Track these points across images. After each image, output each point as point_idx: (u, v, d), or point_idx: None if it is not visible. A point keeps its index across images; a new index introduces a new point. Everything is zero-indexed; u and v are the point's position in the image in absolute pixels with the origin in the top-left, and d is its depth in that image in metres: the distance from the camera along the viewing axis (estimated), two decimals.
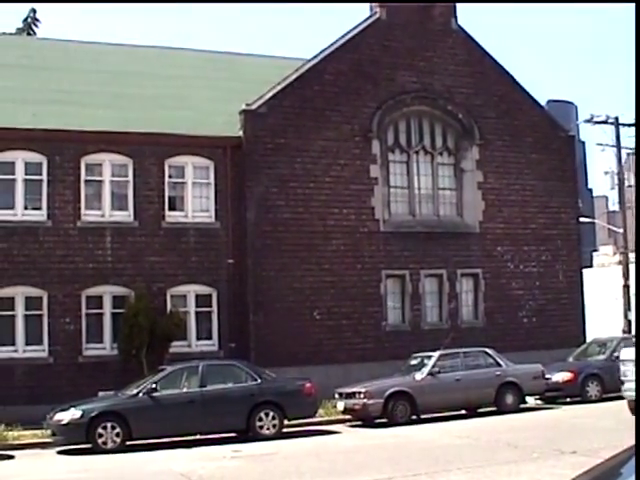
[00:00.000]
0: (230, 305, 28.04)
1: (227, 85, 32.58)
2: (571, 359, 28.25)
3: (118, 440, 19.65)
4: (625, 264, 37.61)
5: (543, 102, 38.53)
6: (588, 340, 31.53)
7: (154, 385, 20.63)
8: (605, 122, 38.38)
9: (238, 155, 28.40)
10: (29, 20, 53.16)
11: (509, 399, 24.24)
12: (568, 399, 26.05)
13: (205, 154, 28.34)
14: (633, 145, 40.82)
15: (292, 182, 28.94)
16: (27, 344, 25.82)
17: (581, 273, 34.31)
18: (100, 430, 19.54)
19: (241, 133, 28.62)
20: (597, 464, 5.05)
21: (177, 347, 26.74)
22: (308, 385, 22.03)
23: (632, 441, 5.03)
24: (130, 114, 28.72)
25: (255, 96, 28.96)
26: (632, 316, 36.30)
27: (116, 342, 26.39)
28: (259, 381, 21.57)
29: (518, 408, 24.16)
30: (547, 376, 25.38)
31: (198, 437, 20.97)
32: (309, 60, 30.75)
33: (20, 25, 53.04)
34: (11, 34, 49.39)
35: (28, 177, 26.28)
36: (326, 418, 23.92)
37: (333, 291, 29.11)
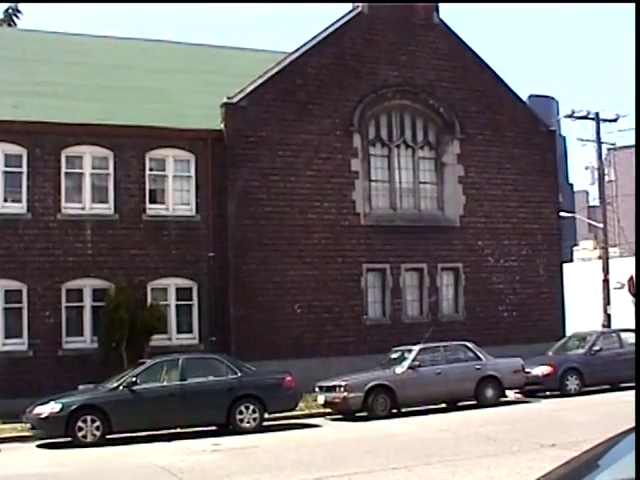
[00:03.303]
0: (211, 298, 28.00)
1: (209, 78, 32.49)
2: (551, 353, 28.38)
3: (98, 433, 19.61)
4: (605, 259, 37.82)
5: (524, 97, 38.67)
6: (568, 334, 31.65)
7: (134, 378, 20.58)
8: (586, 117, 38.57)
9: (219, 148, 28.33)
10: (10, 11, 52.75)
11: (489, 393, 24.31)
12: (548, 393, 26.19)
13: (186, 147, 28.25)
14: (613, 141, 41.03)
15: (273, 175, 28.91)
16: (7, 337, 25.70)
17: (561, 267, 34.45)
18: (80, 424, 19.48)
19: (222, 126, 28.55)
20: (574, 457, 5.07)
21: (157, 340, 26.66)
22: (288, 378, 22.02)
23: (610, 434, 5.05)
24: (111, 106, 28.59)
25: (237, 89, 28.90)
26: (611, 310, 36.51)
27: (96, 335, 26.28)
28: (240, 374, 21.55)
29: (498, 402, 24.24)
30: (527, 370, 25.48)
31: (178, 430, 20.95)
32: (291, 53, 30.71)
33: (1, 16, 52.63)
34: None
35: (8, 169, 26.13)
36: (306, 411, 23.93)
37: (314, 285, 29.12)
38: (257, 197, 28.58)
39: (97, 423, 19.63)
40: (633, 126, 38.81)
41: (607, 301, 36.72)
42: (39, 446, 19.82)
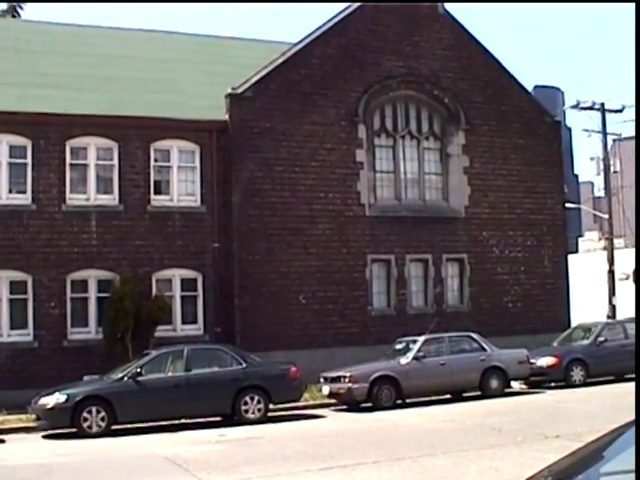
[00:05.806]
0: (215, 289, 28.01)
1: (213, 69, 32.43)
2: (556, 344, 28.36)
3: (103, 424, 19.65)
4: (610, 250, 37.75)
5: (530, 87, 38.54)
6: (573, 325, 31.64)
7: (139, 369, 20.60)
8: (591, 108, 38.45)
9: (224, 139, 28.30)
10: (14, 2, 52.66)
11: (494, 383, 24.32)
12: (552, 384, 26.18)
13: (191, 138, 28.23)
14: (619, 131, 40.93)
15: (278, 166, 28.88)
16: (12, 328, 25.73)
17: (566, 258, 34.39)
18: (85, 414, 19.54)
19: (227, 117, 28.51)
20: (579, 447, 5.06)
21: (162, 331, 26.69)
22: (293, 369, 22.05)
23: (615, 425, 5.03)
24: (116, 97, 28.57)
25: (241, 80, 28.85)
26: (616, 301, 36.47)
27: (101, 326, 26.31)
28: (244, 365, 21.57)
29: (503, 392, 24.25)
30: (532, 361, 25.48)
31: (183, 421, 20.99)
32: (296, 44, 30.63)
33: (5, 7, 52.56)
34: None
35: (12, 160, 26.13)
36: (311, 402, 23.94)
37: (319, 275, 29.11)
38: (262, 188, 28.56)
39: (102, 414, 19.68)
40: (634, 118, 38.67)
41: (612, 292, 36.68)
42: (44, 437, 19.88)
